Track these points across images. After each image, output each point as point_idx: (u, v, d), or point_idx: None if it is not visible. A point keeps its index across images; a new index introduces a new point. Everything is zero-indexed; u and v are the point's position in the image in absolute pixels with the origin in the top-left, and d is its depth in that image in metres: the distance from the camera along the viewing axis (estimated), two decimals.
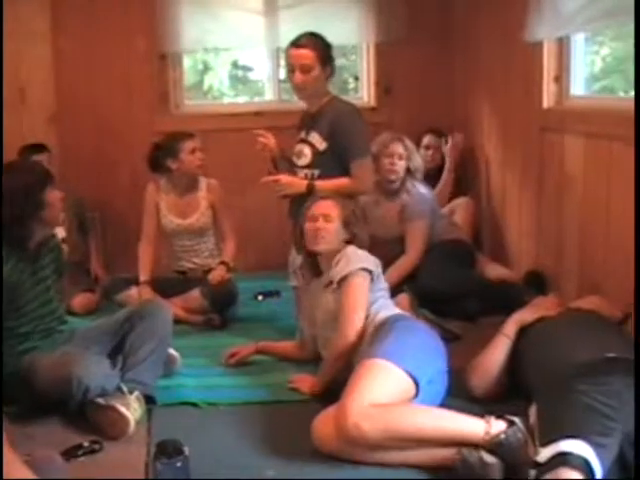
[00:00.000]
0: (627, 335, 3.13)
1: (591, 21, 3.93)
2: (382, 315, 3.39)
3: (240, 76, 7.10)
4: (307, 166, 4.08)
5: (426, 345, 3.24)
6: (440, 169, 5.54)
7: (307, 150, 4.08)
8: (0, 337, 3.24)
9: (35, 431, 3.09)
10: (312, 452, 2.88)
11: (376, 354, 3.05)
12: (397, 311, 3.51)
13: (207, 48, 5.92)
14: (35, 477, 2.27)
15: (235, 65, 6.97)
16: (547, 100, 4.49)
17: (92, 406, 3.17)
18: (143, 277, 4.65)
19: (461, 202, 5.42)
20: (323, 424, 2.90)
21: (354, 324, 3.33)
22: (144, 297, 4.46)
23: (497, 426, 2.71)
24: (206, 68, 6.88)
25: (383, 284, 3.58)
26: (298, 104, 4.41)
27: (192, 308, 4.58)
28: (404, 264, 4.60)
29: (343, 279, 3.41)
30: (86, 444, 2.99)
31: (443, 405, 3.04)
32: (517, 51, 4.70)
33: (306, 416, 3.02)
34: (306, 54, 3.96)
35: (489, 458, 2.61)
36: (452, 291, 4.40)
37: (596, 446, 2.35)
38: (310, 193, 3.90)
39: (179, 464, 2.59)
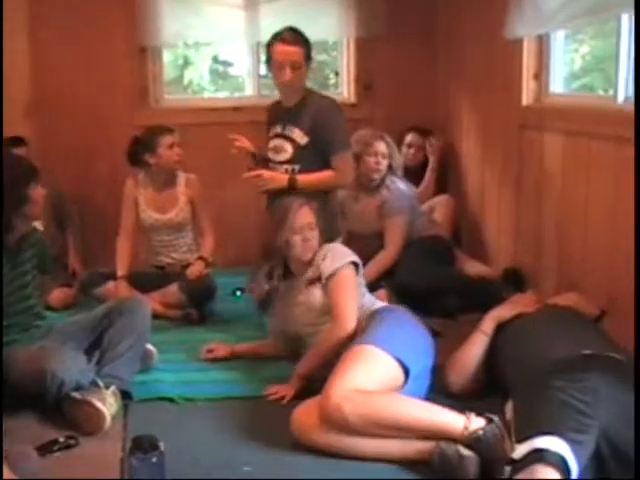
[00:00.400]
0: (604, 332, 3.14)
1: (572, 19, 3.95)
2: (376, 306, 3.45)
3: (220, 71, 7.09)
4: (287, 161, 4.07)
5: (417, 339, 3.27)
6: (422, 167, 5.54)
7: (287, 145, 4.08)
8: (0, 337, 3.22)
9: (11, 426, 3.05)
10: (291, 447, 2.89)
11: (365, 340, 3.07)
12: (386, 304, 3.56)
13: (187, 42, 5.90)
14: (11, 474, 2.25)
15: (216, 60, 6.96)
16: (526, 97, 4.50)
17: (68, 401, 3.15)
18: (121, 272, 4.62)
19: (441, 199, 5.43)
20: (304, 413, 2.92)
21: (351, 315, 3.34)
22: (121, 292, 4.44)
23: (476, 422, 2.72)
24: (186, 63, 6.86)
25: (363, 279, 3.61)
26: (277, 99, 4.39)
27: (170, 303, 4.56)
28: (383, 259, 4.61)
29: (333, 274, 3.41)
30: (62, 439, 2.97)
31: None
32: (498, 48, 4.71)
33: (284, 412, 3.03)
34: (296, 51, 3.98)
35: (466, 452, 2.63)
36: (431, 288, 4.41)
37: (572, 443, 2.35)
38: (292, 187, 3.91)
39: (154, 460, 2.57)
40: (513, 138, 4.64)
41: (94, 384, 3.19)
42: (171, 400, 3.40)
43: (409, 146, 5.58)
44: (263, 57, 4.23)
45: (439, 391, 3.23)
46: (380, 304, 3.53)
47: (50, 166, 5.21)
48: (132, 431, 2.96)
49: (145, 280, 4.64)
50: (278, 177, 4.03)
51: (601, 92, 4.66)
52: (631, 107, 3.46)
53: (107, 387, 3.19)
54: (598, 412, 2.42)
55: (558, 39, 4.37)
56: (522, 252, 4.64)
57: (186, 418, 3.24)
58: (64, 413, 3.16)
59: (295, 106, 4.08)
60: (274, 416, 3.12)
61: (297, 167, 4.04)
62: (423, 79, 5.83)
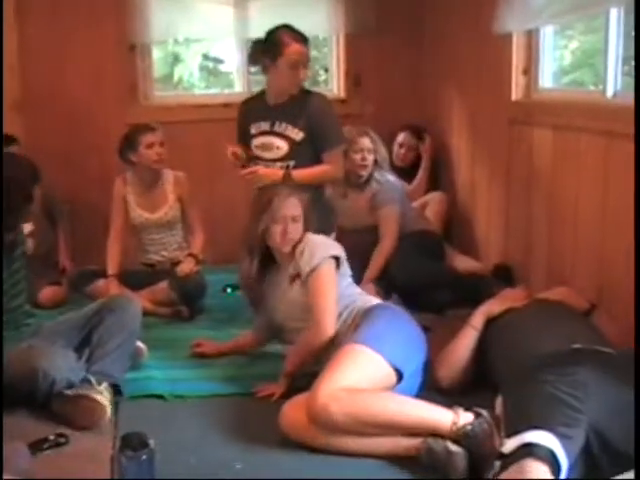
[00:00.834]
0: (594, 326, 3.14)
1: (561, 13, 3.95)
2: (370, 304, 3.39)
3: (211, 68, 7.08)
4: (280, 158, 4.07)
5: (411, 338, 3.25)
6: (412, 167, 5.53)
7: (281, 142, 4.08)
8: (0, 336, 3.21)
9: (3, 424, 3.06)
10: (280, 443, 2.89)
11: (356, 339, 3.06)
12: (377, 300, 3.52)
13: (177, 39, 5.89)
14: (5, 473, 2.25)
15: (206, 57, 6.95)
16: (516, 93, 4.50)
17: (60, 398, 3.13)
18: (111, 271, 4.62)
19: (434, 196, 5.43)
20: (293, 410, 2.91)
21: (330, 320, 3.28)
22: (112, 290, 4.43)
23: (465, 417, 2.72)
24: (176, 60, 6.85)
25: (348, 270, 3.52)
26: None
27: (160, 300, 4.55)
28: (385, 248, 4.62)
29: (311, 271, 3.34)
30: (52, 437, 2.95)
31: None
32: (487, 43, 4.70)
33: (273, 408, 3.02)
34: (307, 50, 4.04)
35: (454, 447, 2.63)
36: (421, 283, 4.41)
37: (562, 437, 2.35)
38: (287, 183, 3.90)
39: (144, 457, 2.55)
40: (503, 133, 4.64)
41: (86, 381, 3.19)
42: (161, 397, 3.40)
43: (400, 145, 5.55)
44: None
45: (429, 387, 3.22)
46: (374, 301, 3.47)
47: (39, 163, 5.17)
48: (122, 428, 2.95)
49: (135, 278, 4.64)
50: (273, 173, 4.02)
51: (591, 87, 4.66)
52: (620, 101, 3.47)
53: (99, 383, 3.18)
54: (588, 406, 2.41)
55: (547, 34, 4.36)
56: (512, 247, 4.64)
57: (176, 415, 3.24)
58: (54, 411, 3.14)
59: (284, 103, 4.08)
60: (263, 413, 3.11)
61: (292, 163, 4.05)
62: (413, 74, 5.82)
